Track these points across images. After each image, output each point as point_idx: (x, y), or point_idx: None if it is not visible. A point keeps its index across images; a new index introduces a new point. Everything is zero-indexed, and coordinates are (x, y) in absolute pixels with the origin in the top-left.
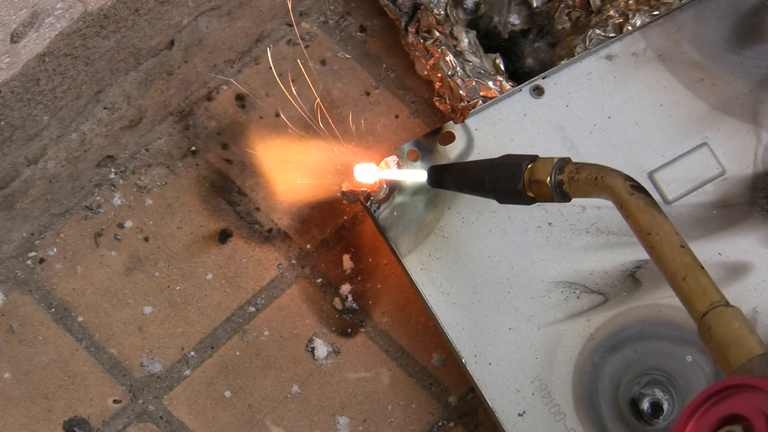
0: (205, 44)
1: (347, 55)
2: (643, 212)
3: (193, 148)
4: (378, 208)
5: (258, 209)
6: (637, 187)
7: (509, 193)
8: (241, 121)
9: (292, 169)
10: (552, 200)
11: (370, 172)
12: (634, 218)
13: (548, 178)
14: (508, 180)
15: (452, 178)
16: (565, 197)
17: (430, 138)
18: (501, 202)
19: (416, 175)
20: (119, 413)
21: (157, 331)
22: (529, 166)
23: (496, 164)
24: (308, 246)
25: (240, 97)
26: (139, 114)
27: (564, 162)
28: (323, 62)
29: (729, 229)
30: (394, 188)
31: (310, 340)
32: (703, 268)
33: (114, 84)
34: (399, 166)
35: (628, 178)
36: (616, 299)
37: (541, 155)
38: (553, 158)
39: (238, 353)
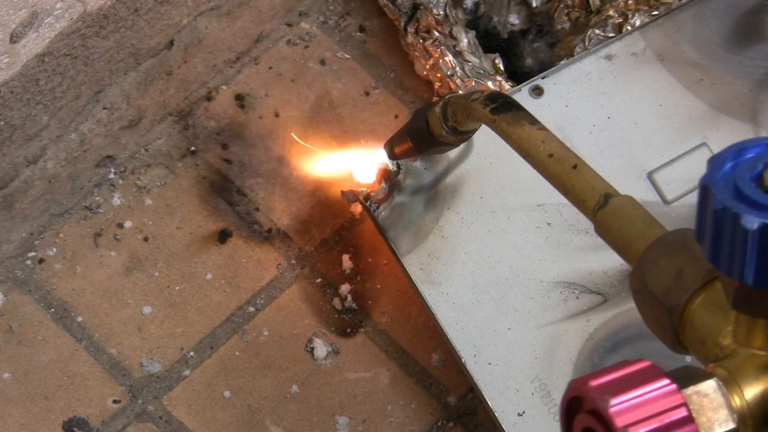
0: (204, 44)
1: (347, 56)
2: (509, 133)
3: (193, 148)
4: (377, 208)
5: (257, 209)
6: (498, 108)
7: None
8: (241, 121)
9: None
10: (461, 141)
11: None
12: (507, 140)
13: (443, 131)
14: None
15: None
16: (468, 134)
17: None
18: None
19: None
20: (119, 413)
21: (157, 331)
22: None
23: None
24: (308, 246)
25: (239, 97)
26: (139, 114)
27: (444, 108)
28: (322, 62)
29: None
30: (393, 188)
31: (310, 340)
32: (581, 165)
33: (113, 84)
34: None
35: (488, 100)
36: (616, 299)
37: None
38: (435, 109)
39: (237, 353)
